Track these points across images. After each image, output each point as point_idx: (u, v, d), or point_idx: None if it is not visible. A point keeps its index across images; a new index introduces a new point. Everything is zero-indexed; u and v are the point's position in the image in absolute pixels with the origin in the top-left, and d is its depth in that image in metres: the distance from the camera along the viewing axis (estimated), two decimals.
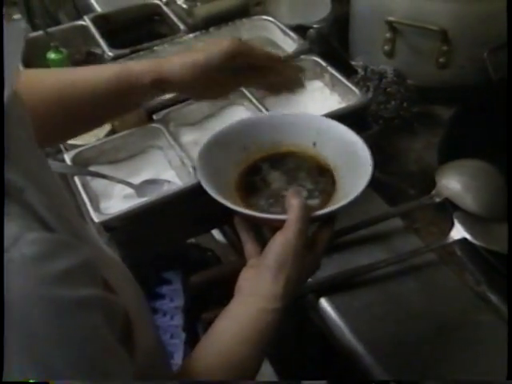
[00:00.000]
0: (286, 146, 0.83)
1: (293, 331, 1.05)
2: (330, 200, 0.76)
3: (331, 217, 0.72)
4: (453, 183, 0.93)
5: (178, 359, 1.15)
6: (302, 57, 1.08)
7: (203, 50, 0.78)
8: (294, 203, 0.66)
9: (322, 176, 0.80)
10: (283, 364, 1.23)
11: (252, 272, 0.67)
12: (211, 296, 1.22)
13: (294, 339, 1.10)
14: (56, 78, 0.79)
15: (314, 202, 0.76)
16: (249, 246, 0.71)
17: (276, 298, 0.64)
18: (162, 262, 1.23)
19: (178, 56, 0.79)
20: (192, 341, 1.19)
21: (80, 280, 0.44)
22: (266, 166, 0.82)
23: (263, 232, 0.74)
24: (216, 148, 0.81)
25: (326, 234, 0.70)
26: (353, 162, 0.77)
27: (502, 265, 0.86)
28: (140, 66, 0.78)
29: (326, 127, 0.83)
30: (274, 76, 0.81)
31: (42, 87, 0.76)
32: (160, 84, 0.78)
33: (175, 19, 1.21)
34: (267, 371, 1.28)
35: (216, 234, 1.35)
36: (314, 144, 0.83)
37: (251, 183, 0.80)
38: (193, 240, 1.40)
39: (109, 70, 0.79)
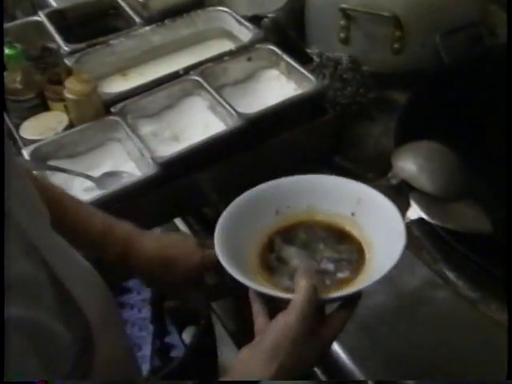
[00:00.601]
0: (322, 213, 0.74)
1: None
2: (358, 277, 0.67)
3: (351, 300, 0.64)
4: (408, 165, 0.94)
5: (145, 351, 1.16)
6: (258, 46, 1.10)
7: (178, 251, 0.78)
8: (300, 284, 0.61)
9: (353, 249, 0.71)
10: None
11: (247, 353, 0.62)
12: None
13: None
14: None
15: (342, 275, 0.68)
16: (259, 320, 0.64)
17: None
18: None
19: (154, 245, 0.78)
20: (159, 332, 1.20)
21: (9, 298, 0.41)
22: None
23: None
24: (241, 213, 0.73)
25: (340, 319, 0.64)
26: (387, 237, 0.68)
27: (457, 242, 0.88)
28: (115, 238, 0.77)
29: (366, 196, 0.73)
30: None
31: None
32: (125, 263, 0.77)
33: (131, 12, 1.21)
34: None
35: (180, 224, 1.35)
36: (353, 214, 0.73)
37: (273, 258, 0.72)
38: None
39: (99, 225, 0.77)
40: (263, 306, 0.64)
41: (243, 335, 1.42)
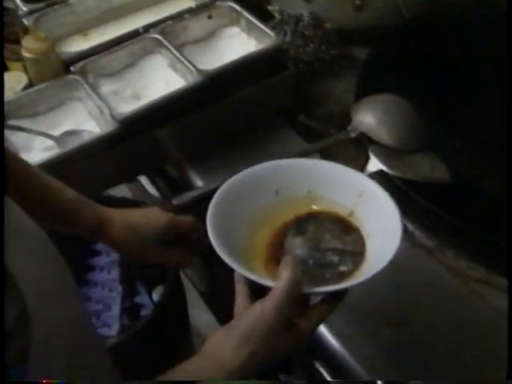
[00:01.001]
0: (323, 201, 0.73)
1: None
2: (355, 272, 0.66)
3: (336, 295, 0.63)
4: (367, 118, 0.95)
5: (115, 311, 1.17)
6: (218, 3, 1.09)
7: (145, 217, 0.80)
8: (283, 274, 0.59)
9: (357, 241, 0.69)
10: None
11: (220, 336, 0.62)
12: None
13: None
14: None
15: (345, 268, 0.67)
16: (239, 301, 0.64)
17: (230, 368, 0.59)
18: None
19: (121, 216, 0.79)
20: (129, 292, 1.21)
21: None
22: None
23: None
24: (238, 191, 0.71)
25: (321, 312, 0.63)
26: (383, 234, 0.67)
27: (416, 193, 0.89)
28: (87, 212, 0.77)
29: (367, 190, 0.71)
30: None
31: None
32: (97, 236, 0.78)
33: None
34: None
35: (148, 186, 1.35)
36: (354, 206, 0.71)
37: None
38: (128, 194, 1.41)
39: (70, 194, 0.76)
40: (246, 288, 0.64)
41: (214, 296, 1.45)
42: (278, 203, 0.72)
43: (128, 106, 0.95)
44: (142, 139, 0.94)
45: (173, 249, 0.82)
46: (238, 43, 1.07)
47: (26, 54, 0.96)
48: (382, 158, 0.94)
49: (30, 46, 0.95)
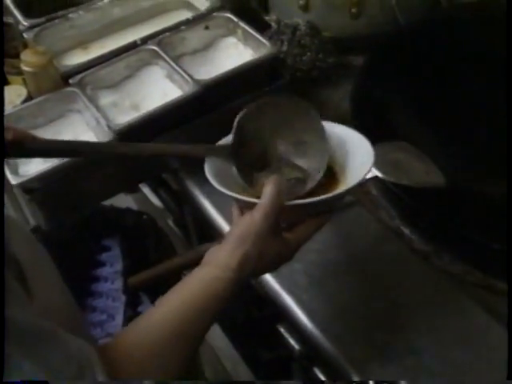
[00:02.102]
0: None
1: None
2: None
3: (321, 212, 0.73)
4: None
5: (118, 320, 1.18)
6: (215, 14, 1.10)
7: None
8: (266, 189, 0.68)
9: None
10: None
11: (216, 247, 0.70)
12: (148, 260, 1.26)
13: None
14: None
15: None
16: (234, 220, 0.73)
17: (229, 269, 0.66)
18: (100, 229, 1.25)
19: None
20: (132, 302, 1.22)
21: None
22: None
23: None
24: None
25: (307, 228, 0.72)
26: (356, 158, 0.77)
27: (411, 198, 0.89)
28: None
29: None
30: None
31: None
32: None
33: None
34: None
35: (151, 197, 1.37)
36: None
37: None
38: (131, 205, 1.42)
39: None
40: (239, 211, 0.73)
41: None
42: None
43: (127, 118, 0.97)
44: None
45: None
46: (234, 53, 1.08)
47: (25, 68, 0.98)
48: (378, 164, 0.94)
49: (28, 60, 0.97)
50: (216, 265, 0.67)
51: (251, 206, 0.69)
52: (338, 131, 0.79)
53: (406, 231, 0.93)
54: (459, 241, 0.88)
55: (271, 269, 0.74)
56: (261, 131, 0.78)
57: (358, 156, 0.77)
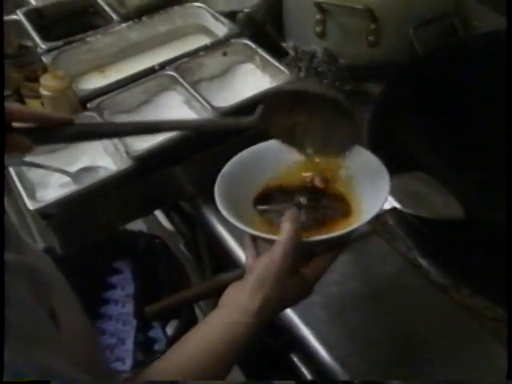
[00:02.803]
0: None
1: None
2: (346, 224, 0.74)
3: (336, 244, 0.72)
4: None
5: (129, 345, 1.17)
6: (233, 40, 1.11)
7: None
8: (285, 226, 0.67)
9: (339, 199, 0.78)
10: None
11: (235, 287, 0.69)
12: (159, 284, 1.25)
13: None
14: None
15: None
16: (249, 260, 0.71)
17: (250, 313, 0.65)
18: (112, 252, 1.25)
19: None
20: (143, 326, 1.21)
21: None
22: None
23: None
24: (244, 164, 0.79)
25: (323, 262, 0.71)
26: (372, 187, 0.75)
27: (429, 230, 0.89)
28: None
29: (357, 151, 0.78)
30: None
31: None
32: None
33: (108, 10, 1.22)
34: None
35: (163, 220, 1.36)
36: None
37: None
38: (143, 228, 1.42)
39: None
40: (253, 250, 0.72)
41: None
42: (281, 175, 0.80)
43: (144, 143, 0.96)
44: (158, 176, 0.95)
45: None
46: (252, 80, 1.08)
47: (43, 92, 0.98)
48: (396, 195, 0.93)
49: (47, 84, 0.97)
50: (237, 308, 0.66)
51: (269, 241, 0.68)
52: (358, 154, 0.77)
53: (424, 263, 0.92)
54: (478, 274, 0.87)
55: (291, 306, 0.74)
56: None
57: (375, 185, 0.75)
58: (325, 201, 0.78)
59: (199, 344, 0.65)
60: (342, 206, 0.77)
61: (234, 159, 0.78)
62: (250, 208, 0.76)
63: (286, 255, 0.66)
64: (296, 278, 0.68)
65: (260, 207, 0.77)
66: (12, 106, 0.69)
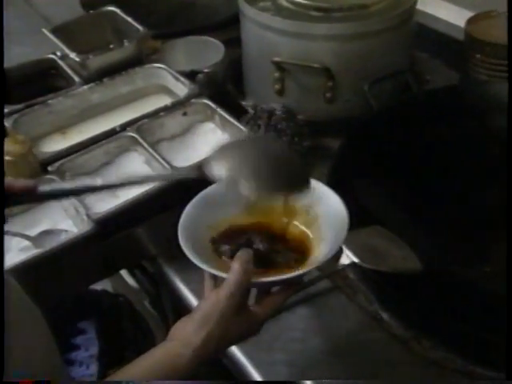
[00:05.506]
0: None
1: None
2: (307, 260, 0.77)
3: (289, 284, 0.74)
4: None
5: None
6: (193, 100, 1.13)
7: None
8: (234, 266, 0.70)
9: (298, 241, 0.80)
10: None
11: (183, 321, 0.72)
12: (124, 343, 1.24)
13: None
14: None
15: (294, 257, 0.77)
16: (206, 293, 0.74)
17: (191, 347, 0.68)
18: (76, 312, 1.23)
19: None
20: None
21: None
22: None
23: None
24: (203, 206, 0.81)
25: (276, 300, 0.73)
26: (332, 227, 0.78)
27: (388, 284, 0.90)
28: None
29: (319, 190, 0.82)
30: None
31: None
32: None
33: (70, 72, 1.23)
34: None
35: (127, 278, 1.36)
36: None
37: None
38: (108, 286, 1.41)
39: None
40: (211, 281, 0.74)
41: None
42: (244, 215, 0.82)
43: (106, 205, 0.97)
44: (119, 237, 0.95)
45: None
46: (212, 139, 1.10)
47: (4, 157, 0.98)
48: (355, 250, 0.95)
49: (8, 149, 0.97)
50: (180, 341, 0.69)
51: (221, 279, 0.71)
52: (326, 196, 0.81)
53: (385, 316, 0.93)
54: (438, 326, 0.89)
55: (237, 342, 0.76)
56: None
57: (336, 229, 0.77)
58: (282, 242, 0.79)
59: (140, 372, 0.67)
60: (300, 246, 0.79)
61: (198, 197, 0.81)
62: (209, 246, 0.78)
63: (232, 295, 0.69)
64: (243, 316, 0.71)
65: (218, 246, 0.78)
66: None
